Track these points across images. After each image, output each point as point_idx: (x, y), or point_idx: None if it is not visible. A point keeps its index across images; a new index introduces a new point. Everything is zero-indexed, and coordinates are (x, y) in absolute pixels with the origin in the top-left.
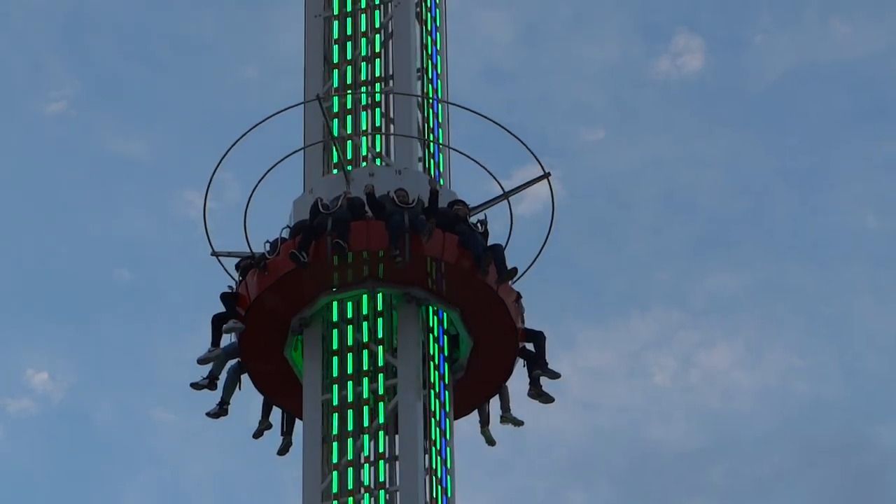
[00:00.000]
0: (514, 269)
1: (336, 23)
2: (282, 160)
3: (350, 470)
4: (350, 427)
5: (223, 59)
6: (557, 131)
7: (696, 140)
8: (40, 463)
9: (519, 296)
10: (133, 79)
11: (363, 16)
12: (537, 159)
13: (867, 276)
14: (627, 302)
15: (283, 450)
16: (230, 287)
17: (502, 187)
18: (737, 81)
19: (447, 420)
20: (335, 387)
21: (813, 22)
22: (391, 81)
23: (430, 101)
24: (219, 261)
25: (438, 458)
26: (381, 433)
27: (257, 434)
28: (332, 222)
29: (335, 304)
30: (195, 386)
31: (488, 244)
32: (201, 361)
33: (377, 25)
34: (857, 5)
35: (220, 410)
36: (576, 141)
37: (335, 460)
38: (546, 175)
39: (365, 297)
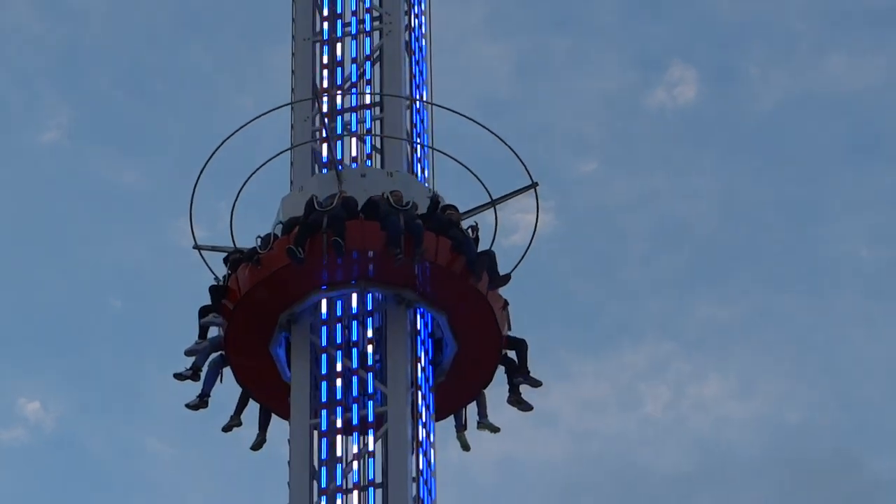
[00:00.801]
0: (508, 276)
1: (326, 47)
2: (272, 158)
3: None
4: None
5: (217, 89)
6: (553, 162)
7: (690, 170)
8: (33, 492)
9: (506, 303)
10: (127, 108)
11: (353, 42)
12: (525, 168)
13: (859, 305)
14: (620, 332)
15: (257, 446)
16: (217, 280)
17: (490, 195)
18: (731, 112)
19: (432, 422)
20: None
21: (808, 54)
22: (377, 109)
23: (420, 104)
24: (200, 254)
25: (424, 458)
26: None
27: (227, 428)
28: (327, 220)
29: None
30: (178, 376)
31: (479, 250)
32: (188, 353)
33: (367, 52)
34: (853, 38)
35: (201, 402)
36: (570, 172)
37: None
38: (534, 185)
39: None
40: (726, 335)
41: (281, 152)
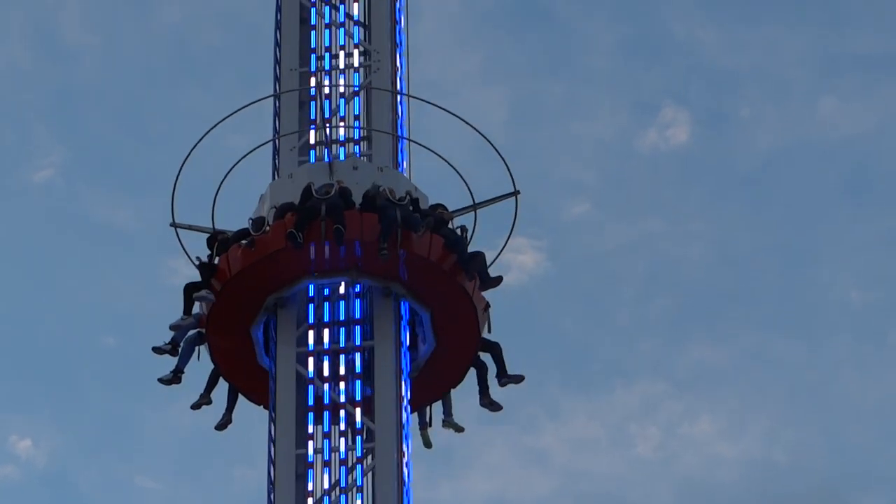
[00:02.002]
0: (500, 278)
1: (312, 79)
2: (261, 146)
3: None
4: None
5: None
6: (545, 204)
7: (682, 212)
8: None
9: (488, 305)
10: (120, 148)
11: (341, 75)
12: (509, 172)
13: (850, 348)
14: (612, 373)
15: (222, 426)
16: (198, 258)
17: (473, 198)
18: (723, 155)
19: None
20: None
21: (800, 98)
22: (366, 144)
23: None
24: (176, 233)
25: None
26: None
27: (196, 406)
28: (325, 208)
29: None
30: (157, 350)
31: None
32: (173, 327)
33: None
34: (845, 82)
35: (174, 378)
36: (563, 213)
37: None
38: (515, 193)
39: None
40: (717, 376)
41: (270, 140)
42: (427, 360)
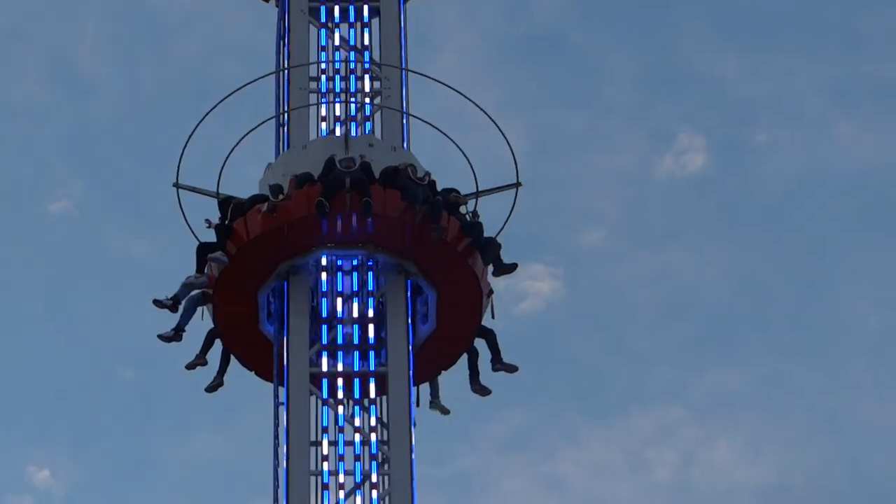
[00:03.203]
0: (515, 264)
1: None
2: (270, 118)
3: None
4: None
5: (230, 161)
6: (562, 234)
7: (699, 238)
8: None
9: (491, 291)
10: (138, 180)
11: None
12: (515, 163)
13: (867, 373)
14: (629, 399)
15: (212, 388)
16: (207, 220)
17: (477, 185)
18: (739, 181)
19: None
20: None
21: (817, 125)
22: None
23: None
24: (177, 194)
25: None
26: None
27: (191, 366)
28: (350, 181)
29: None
30: (157, 303)
31: None
32: (186, 284)
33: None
34: (861, 111)
35: (175, 335)
36: (579, 240)
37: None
38: (517, 184)
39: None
40: (734, 401)
41: (284, 112)
42: (424, 341)
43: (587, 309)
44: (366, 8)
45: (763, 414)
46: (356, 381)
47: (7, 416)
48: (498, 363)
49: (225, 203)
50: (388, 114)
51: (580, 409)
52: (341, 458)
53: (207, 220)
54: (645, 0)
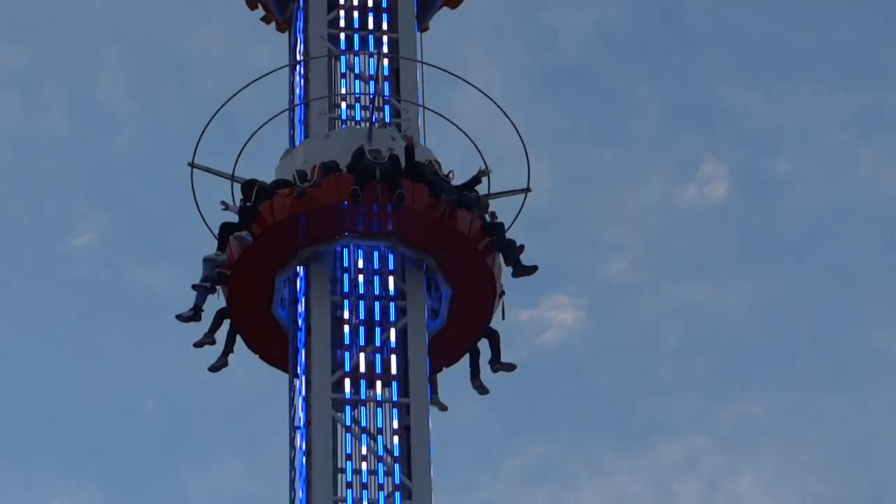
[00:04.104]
0: (535, 266)
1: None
2: (289, 108)
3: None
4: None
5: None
6: (586, 264)
7: (722, 267)
8: None
9: (503, 293)
10: (160, 215)
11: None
12: (528, 167)
13: (892, 402)
14: (654, 429)
15: (215, 368)
16: (223, 203)
17: (489, 187)
18: (762, 211)
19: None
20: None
21: (841, 155)
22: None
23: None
24: (191, 172)
25: None
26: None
27: (199, 344)
28: (380, 172)
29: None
30: (181, 318)
31: None
32: (208, 259)
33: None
34: (884, 141)
35: (194, 315)
36: (603, 270)
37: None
38: (527, 190)
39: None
40: (760, 431)
41: (304, 101)
42: (432, 337)
43: (611, 339)
44: (384, 38)
45: (788, 444)
46: (378, 409)
47: (32, 449)
48: (497, 364)
49: (249, 185)
50: (406, 111)
51: (605, 440)
52: (364, 486)
53: (224, 203)
54: (670, 33)
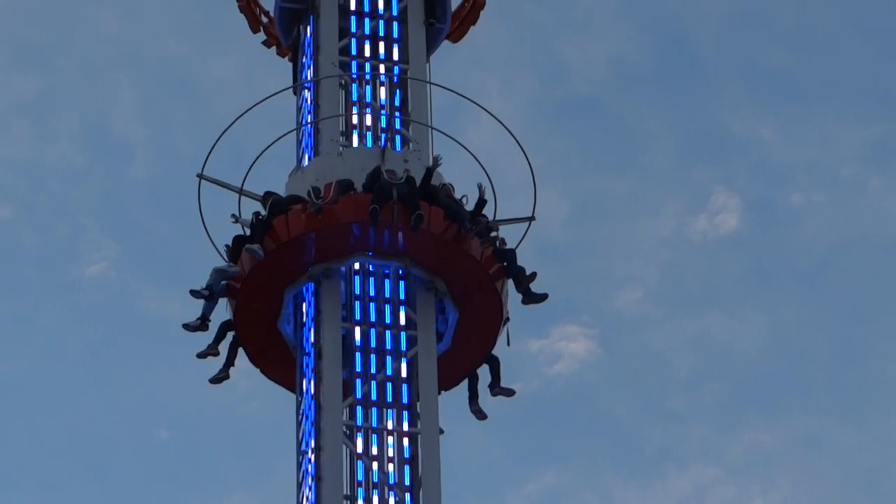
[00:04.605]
0: (546, 294)
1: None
2: (298, 128)
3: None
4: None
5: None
6: (597, 294)
7: (734, 298)
8: None
9: (507, 319)
10: (172, 241)
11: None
12: (535, 191)
13: None
14: (664, 458)
15: (217, 380)
16: (234, 216)
17: (495, 213)
18: (774, 242)
19: None
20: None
21: (853, 186)
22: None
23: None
24: (199, 184)
25: None
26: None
27: (202, 355)
28: (397, 193)
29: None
30: (187, 327)
31: None
32: (219, 270)
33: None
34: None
35: (201, 325)
36: (613, 300)
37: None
38: (531, 218)
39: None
40: (770, 461)
41: (321, 119)
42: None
43: (622, 369)
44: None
45: (799, 473)
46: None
47: (42, 476)
48: (497, 388)
49: (265, 198)
50: (415, 131)
51: (615, 469)
52: None
53: (234, 216)
54: (682, 65)
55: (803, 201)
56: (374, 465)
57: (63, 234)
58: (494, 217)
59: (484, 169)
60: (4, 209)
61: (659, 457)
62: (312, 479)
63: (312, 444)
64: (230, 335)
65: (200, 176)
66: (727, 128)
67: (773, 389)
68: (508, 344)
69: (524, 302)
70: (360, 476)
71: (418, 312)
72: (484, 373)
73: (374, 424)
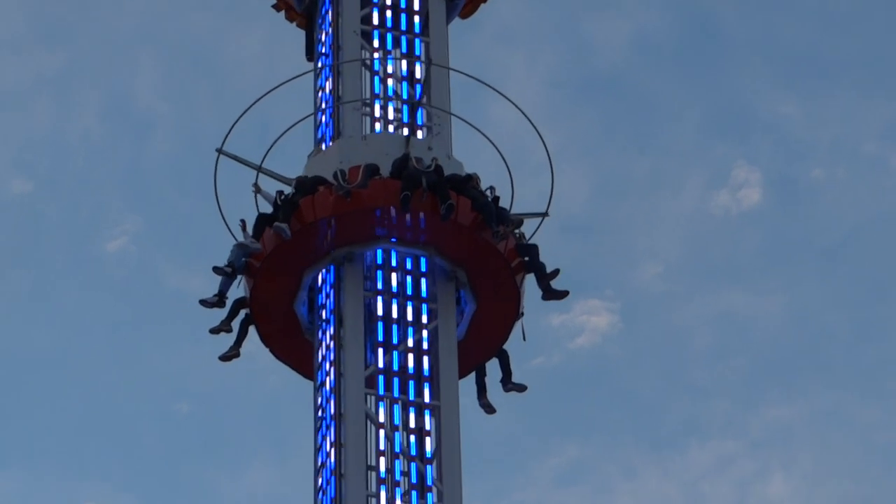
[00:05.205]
0: (567, 291)
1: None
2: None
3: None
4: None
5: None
6: (619, 269)
7: (756, 273)
8: None
9: (522, 313)
10: (193, 215)
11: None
12: (552, 187)
13: None
14: (686, 432)
15: (227, 358)
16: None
17: (511, 206)
18: (796, 217)
19: None
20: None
21: (875, 163)
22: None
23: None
24: (217, 158)
25: None
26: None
27: (215, 330)
28: (426, 182)
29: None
30: (204, 303)
31: None
32: (241, 245)
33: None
34: None
35: (218, 301)
36: (635, 275)
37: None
38: (544, 214)
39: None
40: (792, 435)
41: (343, 103)
42: None
43: (644, 343)
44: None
45: (819, 448)
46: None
47: (63, 450)
48: (509, 383)
49: (301, 183)
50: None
51: (637, 443)
52: (397, 483)
53: (255, 185)
54: (705, 42)
55: (825, 177)
56: (397, 434)
57: (85, 209)
58: (511, 207)
59: (502, 156)
60: (27, 184)
61: (680, 430)
62: (332, 446)
63: (332, 410)
64: (243, 313)
65: (219, 151)
66: (749, 104)
67: (794, 364)
68: (524, 339)
69: (544, 298)
70: (382, 446)
71: (438, 289)
72: (493, 367)
73: (396, 395)
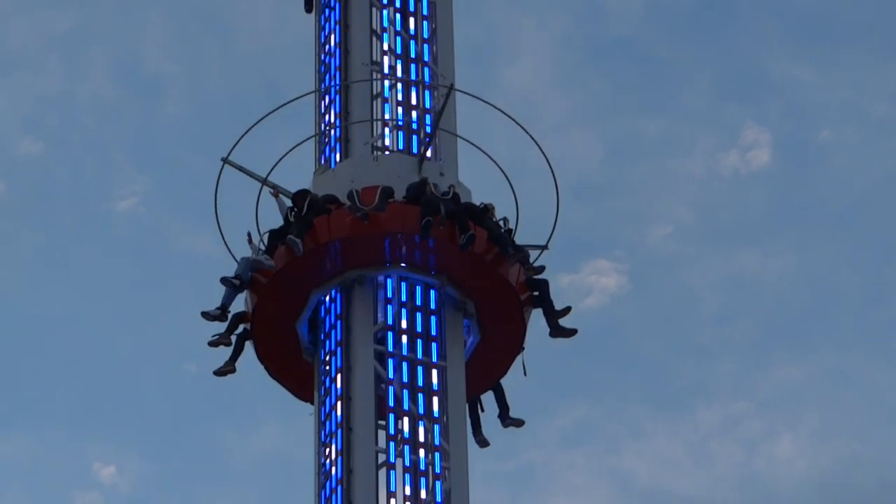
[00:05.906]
0: (574, 330)
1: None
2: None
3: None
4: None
5: (293, 157)
6: (628, 230)
7: (765, 234)
8: None
9: (523, 348)
10: (202, 176)
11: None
12: (556, 217)
13: None
14: (694, 392)
15: (222, 373)
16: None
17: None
18: (804, 176)
19: None
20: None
21: (886, 126)
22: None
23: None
24: (221, 168)
25: None
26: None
27: (214, 343)
28: (444, 209)
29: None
30: (206, 316)
31: None
32: (255, 261)
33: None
34: None
35: (221, 314)
36: (643, 235)
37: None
38: (544, 247)
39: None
40: (799, 395)
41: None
42: None
43: (652, 304)
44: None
45: (827, 408)
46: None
47: (73, 412)
48: (508, 418)
49: (301, 196)
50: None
51: (644, 403)
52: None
53: (273, 189)
54: (718, 5)
55: (834, 139)
56: (405, 392)
57: (94, 170)
58: (514, 233)
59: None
60: (36, 144)
61: (688, 391)
62: (338, 399)
63: (339, 363)
64: (241, 327)
65: (225, 160)
66: (761, 67)
67: (803, 325)
68: (525, 374)
69: (552, 335)
70: (390, 320)
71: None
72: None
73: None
